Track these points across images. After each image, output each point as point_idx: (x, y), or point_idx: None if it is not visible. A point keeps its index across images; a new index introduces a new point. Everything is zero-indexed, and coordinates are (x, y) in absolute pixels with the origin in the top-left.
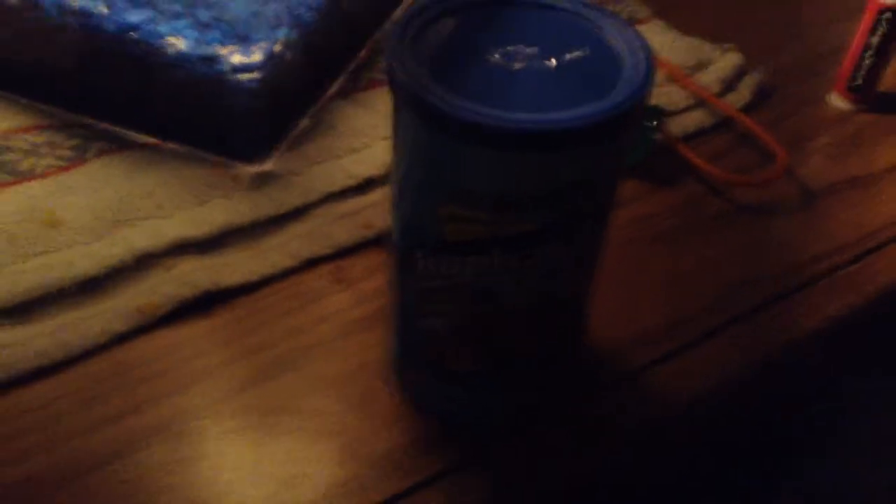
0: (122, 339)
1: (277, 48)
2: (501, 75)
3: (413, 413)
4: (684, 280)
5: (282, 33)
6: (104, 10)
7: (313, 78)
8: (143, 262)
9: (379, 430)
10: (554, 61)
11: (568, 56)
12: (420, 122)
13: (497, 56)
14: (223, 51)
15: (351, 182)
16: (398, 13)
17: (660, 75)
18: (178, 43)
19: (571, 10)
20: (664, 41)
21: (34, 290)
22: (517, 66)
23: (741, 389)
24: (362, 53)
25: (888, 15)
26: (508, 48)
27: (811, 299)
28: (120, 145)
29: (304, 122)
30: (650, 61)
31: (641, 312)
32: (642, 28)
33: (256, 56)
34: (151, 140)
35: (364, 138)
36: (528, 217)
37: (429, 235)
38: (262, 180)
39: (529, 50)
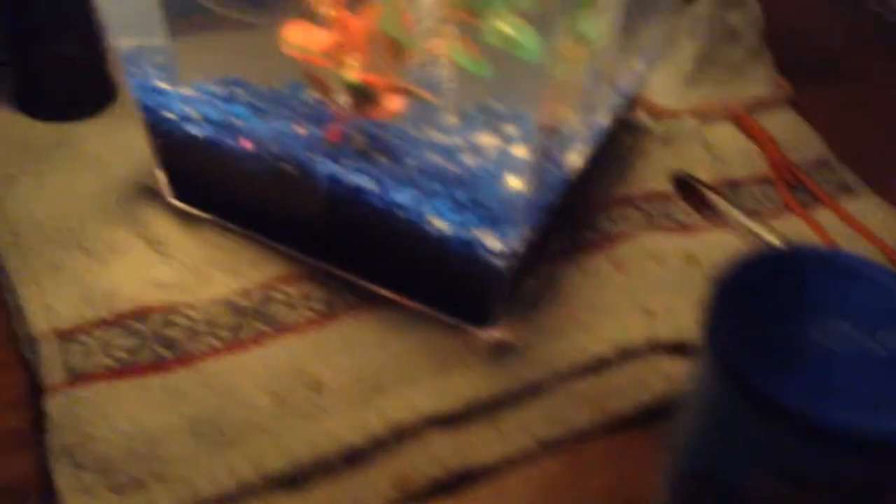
0: None
1: (527, 233)
2: (821, 356)
3: None
4: None
5: (531, 218)
6: (374, 187)
7: (539, 240)
8: (398, 434)
9: None
10: (876, 344)
11: (888, 337)
12: (742, 401)
13: (816, 333)
14: (478, 233)
15: (582, 359)
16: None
17: None
18: (439, 223)
19: (885, 284)
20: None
21: (304, 459)
22: (837, 346)
23: None
24: (579, 212)
25: None
26: (825, 324)
27: None
28: (365, 300)
29: (530, 282)
30: None
31: None
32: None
33: (512, 243)
34: (389, 294)
35: (592, 312)
36: (837, 499)
37: (722, 490)
38: (498, 350)
39: (844, 326)
